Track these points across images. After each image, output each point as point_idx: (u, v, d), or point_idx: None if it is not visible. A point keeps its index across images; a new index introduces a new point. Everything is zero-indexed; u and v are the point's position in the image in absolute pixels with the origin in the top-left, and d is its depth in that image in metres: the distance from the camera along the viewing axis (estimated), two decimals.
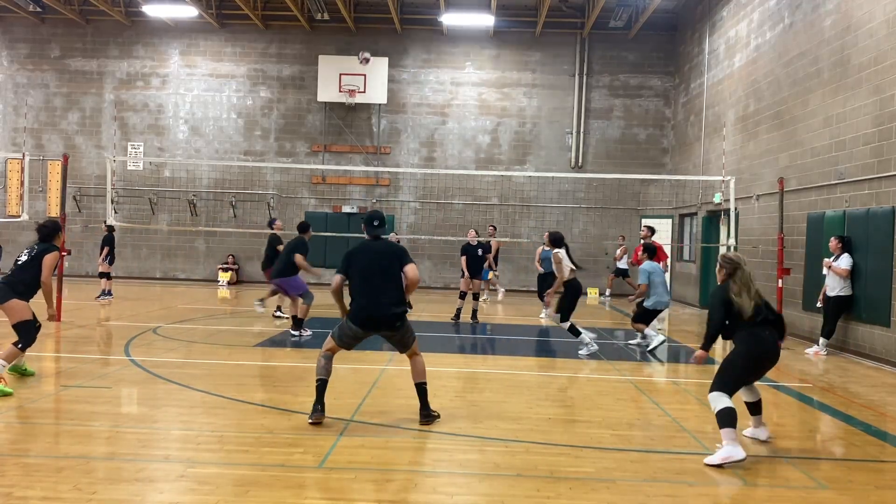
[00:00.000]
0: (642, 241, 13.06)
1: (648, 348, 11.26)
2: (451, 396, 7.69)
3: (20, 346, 7.27)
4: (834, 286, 11.31)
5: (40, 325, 7.53)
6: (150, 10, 21.12)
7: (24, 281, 7.40)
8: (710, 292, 6.34)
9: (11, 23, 22.94)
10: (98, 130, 23.01)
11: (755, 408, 6.25)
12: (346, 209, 22.67)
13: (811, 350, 11.60)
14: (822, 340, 11.53)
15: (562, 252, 10.63)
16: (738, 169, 16.14)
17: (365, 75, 21.85)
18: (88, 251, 21.93)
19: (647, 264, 11.32)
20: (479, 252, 14.30)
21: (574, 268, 10.70)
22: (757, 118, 15.71)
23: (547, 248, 14.55)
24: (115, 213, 17.17)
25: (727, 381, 5.82)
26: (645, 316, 11.36)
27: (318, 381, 6.34)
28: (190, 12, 21.31)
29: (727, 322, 5.93)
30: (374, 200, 22.76)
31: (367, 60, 20.97)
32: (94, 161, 22.71)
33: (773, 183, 13.49)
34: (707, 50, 19.20)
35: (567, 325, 10.64)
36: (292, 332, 11.34)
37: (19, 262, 7.55)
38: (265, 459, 5.36)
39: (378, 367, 9.12)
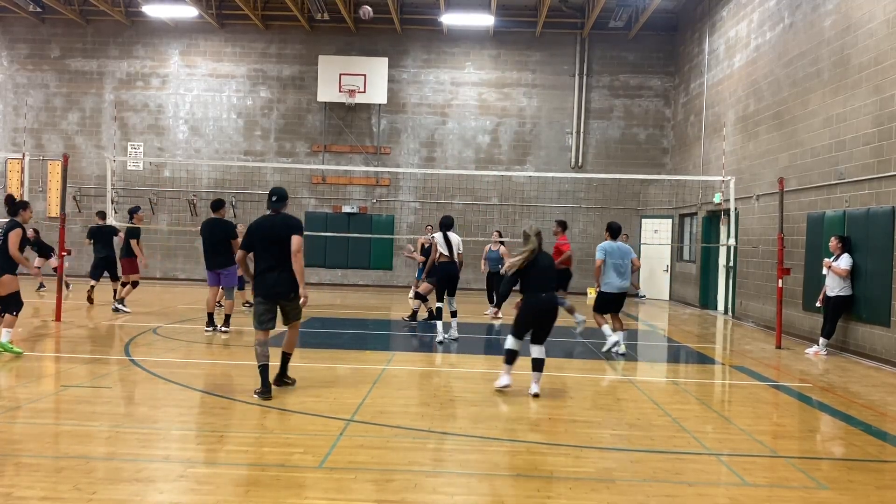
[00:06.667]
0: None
1: (603, 349, 10.76)
2: (451, 396, 7.70)
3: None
4: (834, 286, 11.31)
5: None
6: (150, 11, 21.12)
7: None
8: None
9: (11, 23, 22.94)
10: (98, 130, 23.01)
11: (537, 365, 7.75)
12: (346, 209, 22.67)
13: (811, 350, 11.60)
14: (822, 340, 11.53)
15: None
16: (738, 169, 16.14)
17: (365, 75, 21.87)
18: (88, 251, 21.84)
19: (605, 243, 10.50)
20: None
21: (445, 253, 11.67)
22: (757, 118, 15.70)
23: (494, 248, 15.38)
24: (115, 212, 17.12)
25: (515, 328, 7.93)
26: (600, 304, 10.68)
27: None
28: (190, 12, 21.31)
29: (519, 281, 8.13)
30: (374, 200, 22.76)
31: (368, 13, 18.68)
32: (94, 161, 22.72)
33: (773, 183, 13.49)
34: (707, 50, 19.20)
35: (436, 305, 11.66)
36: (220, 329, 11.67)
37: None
38: (265, 459, 5.36)
39: (378, 367, 9.12)
